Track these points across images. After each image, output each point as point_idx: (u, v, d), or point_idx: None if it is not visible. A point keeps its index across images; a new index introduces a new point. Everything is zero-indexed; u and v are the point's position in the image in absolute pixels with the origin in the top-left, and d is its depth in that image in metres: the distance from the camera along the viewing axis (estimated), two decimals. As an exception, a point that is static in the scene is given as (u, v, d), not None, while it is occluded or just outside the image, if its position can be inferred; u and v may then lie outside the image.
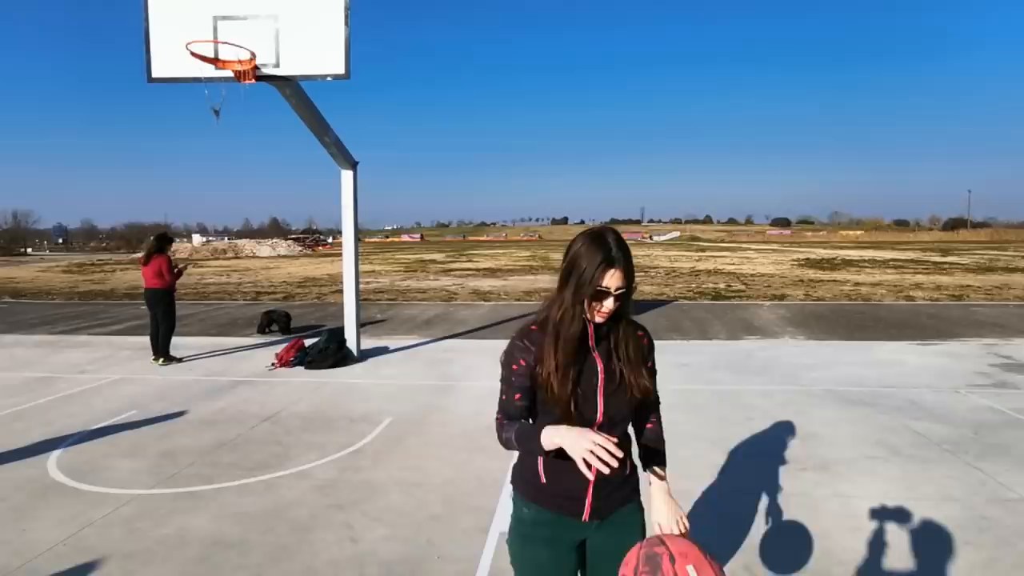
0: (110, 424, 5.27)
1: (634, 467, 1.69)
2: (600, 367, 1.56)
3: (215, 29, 5.44)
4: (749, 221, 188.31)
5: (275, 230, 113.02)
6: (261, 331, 10.03)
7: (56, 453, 4.58)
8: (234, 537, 3.24)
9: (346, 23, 5.42)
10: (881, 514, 3.42)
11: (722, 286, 17.03)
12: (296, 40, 5.51)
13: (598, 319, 1.53)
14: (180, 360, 7.74)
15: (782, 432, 4.86)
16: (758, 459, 4.32)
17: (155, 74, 5.67)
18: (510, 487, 1.70)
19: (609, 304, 1.49)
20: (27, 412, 5.68)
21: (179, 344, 8.32)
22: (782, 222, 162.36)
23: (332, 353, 7.51)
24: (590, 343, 1.57)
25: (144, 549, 3.14)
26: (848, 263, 27.05)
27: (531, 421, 1.61)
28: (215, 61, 5.42)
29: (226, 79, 5.51)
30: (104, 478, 4.08)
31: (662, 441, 1.76)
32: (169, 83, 5.65)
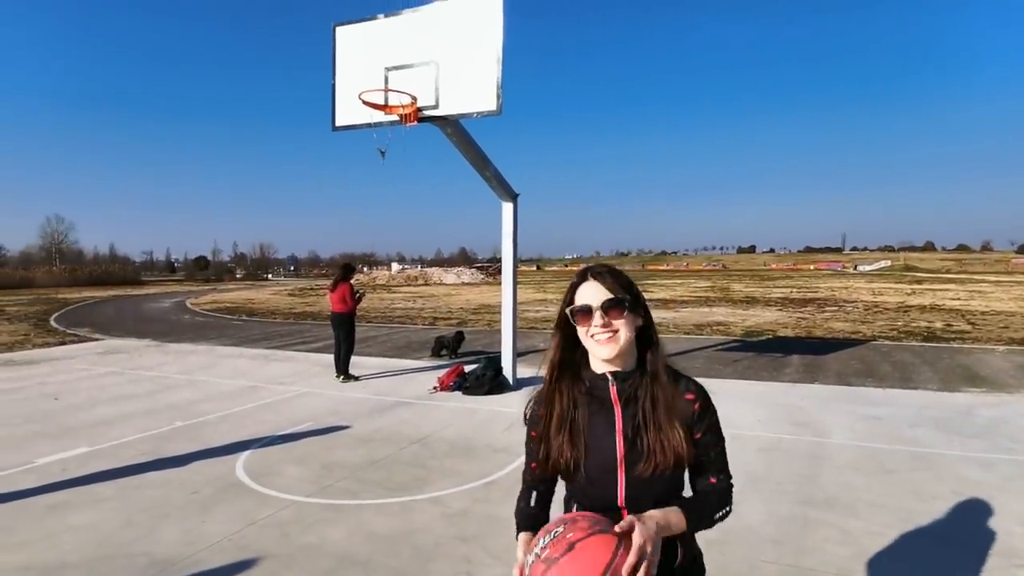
0: (290, 432, 5.93)
1: (693, 556, 1.39)
2: (619, 434, 1.29)
3: (386, 79, 6.03)
4: (986, 247, 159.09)
5: (462, 259, 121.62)
6: (435, 354, 10.71)
7: (245, 454, 5.25)
8: (362, 555, 3.39)
9: (499, 63, 5.66)
10: None
11: (939, 325, 14.44)
12: (453, 82, 5.89)
13: (601, 350, 1.30)
14: (357, 378, 8.52)
15: (1001, 516, 3.85)
16: (959, 548, 3.46)
17: (338, 123, 6.45)
18: None
19: (598, 321, 1.29)
20: (232, 416, 6.63)
21: (358, 363, 9.17)
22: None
23: (488, 380, 7.71)
24: (613, 403, 1.33)
25: (287, 554, 3.41)
26: None
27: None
28: (384, 107, 6.00)
29: (393, 123, 6.06)
30: (274, 482, 4.56)
31: (710, 499, 1.33)
32: (349, 130, 6.38)
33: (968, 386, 7.79)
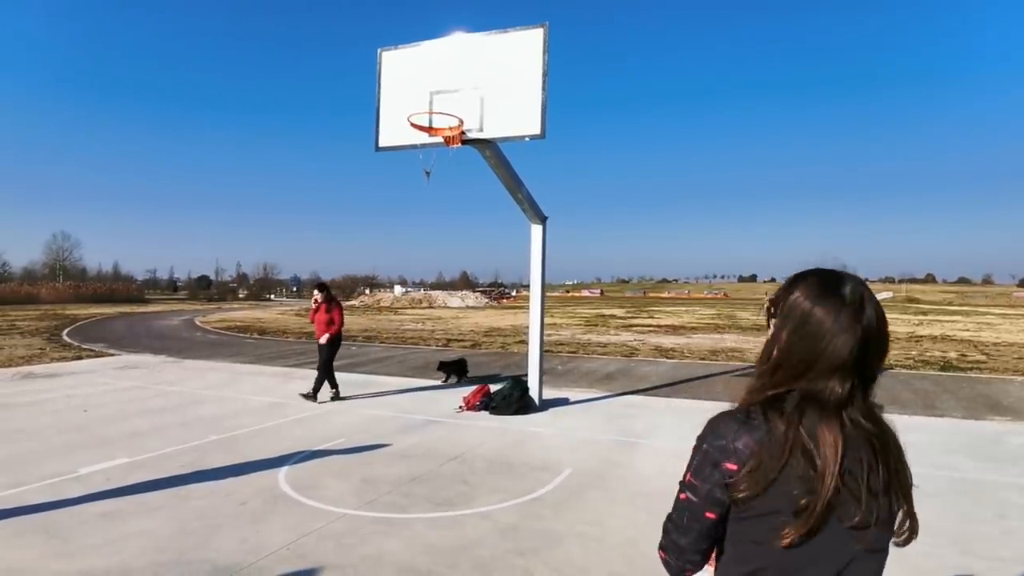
0: (324, 448, 5.95)
1: None
2: None
3: (431, 102, 6.21)
4: (987, 281, 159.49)
5: (464, 283, 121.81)
6: (444, 381, 10.61)
7: (285, 468, 5.28)
8: (423, 567, 3.41)
9: (543, 88, 5.85)
10: None
11: (953, 355, 14.48)
12: (498, 106, 6.07)
13: None
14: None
15: (1052, 539, 3.89)
16: (1016, 568, 3.49)
17: (381, 144, 6.62)
18: None
19: None
20: (265, 431, 6.66)
21: (380, 383, 9.19)
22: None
23: (515, 400, 7.74)
24: None
25: (349, 564, 3.44)
26: None
27: None
28: (429, 129, 6.16)
29: (436, 145, 6.23)
30: (320, 495, 4.59)
31: None
32: (391, 151, 6.55)
33: (993, 414, 7.82)
